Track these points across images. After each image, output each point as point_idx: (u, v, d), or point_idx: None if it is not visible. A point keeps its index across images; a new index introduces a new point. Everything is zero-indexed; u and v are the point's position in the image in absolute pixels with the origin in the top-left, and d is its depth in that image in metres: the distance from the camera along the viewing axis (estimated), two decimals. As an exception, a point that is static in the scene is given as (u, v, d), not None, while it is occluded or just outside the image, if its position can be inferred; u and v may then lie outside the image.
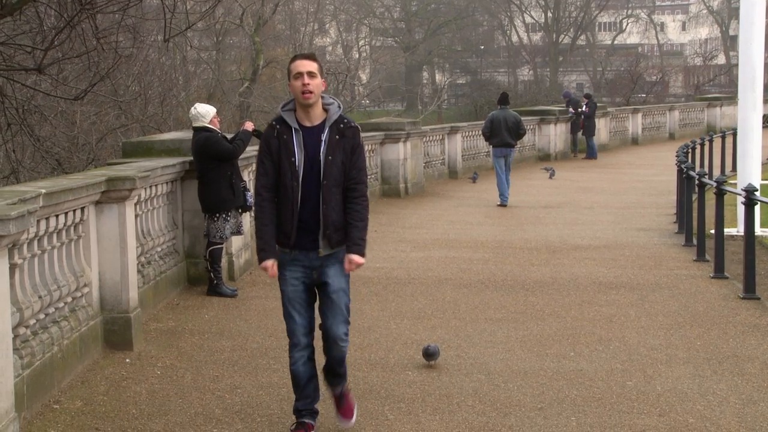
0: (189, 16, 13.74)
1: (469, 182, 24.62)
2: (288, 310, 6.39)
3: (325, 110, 6.35)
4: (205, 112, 11.05)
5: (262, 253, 6.30)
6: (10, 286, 6.37)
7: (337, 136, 6.29)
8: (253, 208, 6.50)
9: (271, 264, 6.28)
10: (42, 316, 7.33)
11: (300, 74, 6.21)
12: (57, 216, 7.58)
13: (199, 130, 10.94)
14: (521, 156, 29.50)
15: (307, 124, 6.30)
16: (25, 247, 6.98)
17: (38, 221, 7.13)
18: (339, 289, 6.39)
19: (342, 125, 6.33)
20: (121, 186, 8.53)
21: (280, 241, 6.35)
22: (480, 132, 23.81)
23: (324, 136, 6.27)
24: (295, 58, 6.38)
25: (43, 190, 7.00)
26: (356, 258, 6.31)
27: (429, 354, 8.12)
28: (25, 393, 6.73)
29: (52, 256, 7.65)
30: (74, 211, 8.00)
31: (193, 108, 11.35)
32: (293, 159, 6.24)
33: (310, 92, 6.20)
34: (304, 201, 6.26)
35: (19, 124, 10.88)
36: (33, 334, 7.15)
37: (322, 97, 6.35)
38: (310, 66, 6.23)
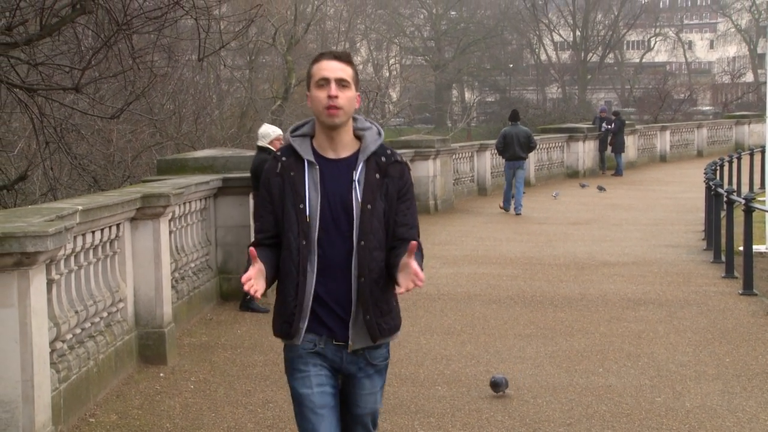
0: (223, 36, 13.80)
1: (500, 204, 24.52)
2: (305, 416, 4.38)
3: (358, 137, 4.37)
4: (266, 133, 11.08)
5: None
6: (47, 301, 6.42)
7: (377, 175, 4.30)
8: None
9: (250, 273, 4.16)
10: (78, 330, 7.37)
11: (326, 81, 4.26)
12: (93, 232, 7.63)
13: (261, 150, 10.98)
14: (550, 173, 29.43)
15: (331, 155, 4.33)
16: (62, 262, 7.03)
17: (75, 237, 7.17)
18: (368, 412, 4.49)
19: (384, 159, 4.34)
20: (156, 203, 8.58)
21: (280, 331, 4.44)
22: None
23: (357, 174, 4.28)
24: (320, 57, 4.38)
25: (80, 207, 7.05)
26: (418, 270, 4.12)
27: (495, 384, 7.65)
28: (62, 406, 6.76)
29: (88, 272, 7.70)
30: (110, 227, 8.05)
31: (261, 127, 11.46)
32: (302, 206, 4.25)
33: (338, 108, 4.23)
34: (324, 269, 4.28)
35: (57, 143, 10.96)
36: (69, 348, 7.19)
37: (355, 119, 4.38)
38: (341, 71, 4.28)
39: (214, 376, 8.43)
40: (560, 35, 73.71)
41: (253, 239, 4.47)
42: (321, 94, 4.26)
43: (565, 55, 74.57)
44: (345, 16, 54.28)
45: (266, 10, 32.90)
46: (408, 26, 69.81)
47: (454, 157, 24.05)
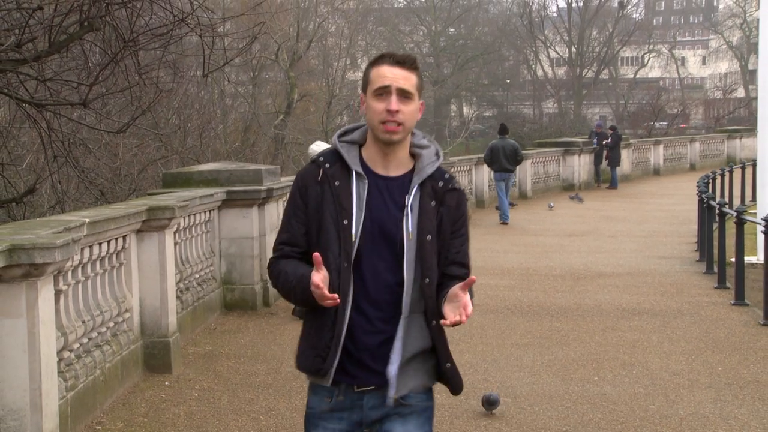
0: (227, 53, 13.85)
1: (496, 211, 24.59)
2: None
3: (414, 155, 3.71)
4: (312, 153, 11.09)
5: (302, 283, 3.58)
6: (55, 311, 6.42)
7: (432, 202, 3.65)
8: (269, 275, 3.82)
9: (320, 279, 3.50)
10: (85, 340, 7.37)
11: (385, 90, 3.58)
12: (100, 244, 7.64)
13: None
14: (546, 186, 29.45)
15: (381, 171, 3.67)
16: (69, 274, 7.04)
17: (82, 249, 7.18)
18: None
19: (441, 184, 3.68)
20: (161, 215, 8.59)
21: (310, 366, 3.68)
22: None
23: (411, 199, 3.63)
24: (381, 60, 3.67)
25: (87, 220, 7.06)
26: (468, 302, 3.62)
27: (490, 402, 7.47)
28: (69, 414, 6.76)
29: (95, 283, 7.71)
30: (116, 239, 8.05)
31: (312, 143, 11.52)
32: (347, 222, 3.60)
33: (399, 125, 3.58)
34: (360, 301, 3.60)
35: (65, 157, 10.97)
36: (77, 357, 7.19)
37: (413, 134, 3.71)
38: (404, 80, 3.59)
39: (218, 385, 8.42)
40: (556, 51, 73.84)
41: (275, 253, 3.78)
42: (379, 106, 3.58)
43: (561, 71, 74.67)
44: (346, 33, 54.30)
45: (269, 27, 32.92)
46: (408, 43, 69.84)
47: (452, 170, 24.06)
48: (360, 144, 3.72)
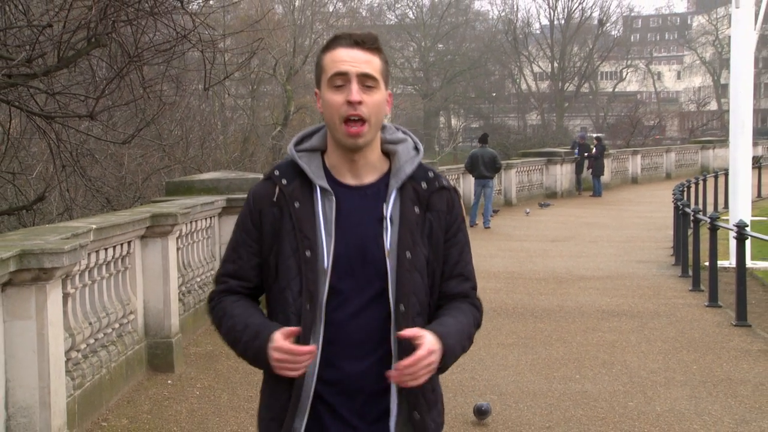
0: (227, 67, 13.84)
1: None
2: None
3: (387, 153, 2.89)
4: None
5: (256, 341, 2.75)
6: (63, 313, 6.41)
7: (416, 209, 2.82)
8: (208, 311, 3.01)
9: (280, 336, 2.69)
10: (92, 341, 7.35)
11: (344, 77, 2.77)
12: (106, 249, 7.63)
13: None
14: (530, 194, 29.48)
15: (351, 181, 2.85)
16: (77, 277, 7.02)
17: (89, 254, 7.17)
18: None
19: (425, 185, 2.86)
20: (164, 222, 8.58)
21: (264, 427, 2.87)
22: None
23: (389, 209, 2.81)
24: (335, 42, 2.82)
25: (94, 226, 7.05)
26: (424, 356, 2.66)
27: (481, 412, 7.26)
28: (77, 411, 6.74)
29: (101, 286, 7.69)
30: (121, 244, 8.04)
31: None
32: (309, 253, 2.76)
33: (362, 122, 2.76)
34: (336, 344, 2.77)
35: (73, 166, 10.94)
36: (84, 357, 7.17)
37: (384, 128, 2.90)
38: (367, 64, 2.77)
39: (219, 383, 8.40)
40: (539, 66, 73.94)
41: (218, 285, 2.94)
42: (336, 99, 2.72)
43: (544, 85, 74.76)
44: (340, 49, 54.37)
45: (267, 43, 32.94)
46: (399, 58, 69.89)
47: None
48: (322, 150, 2.86)
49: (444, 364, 2.72)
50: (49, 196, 14.26)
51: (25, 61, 8.60)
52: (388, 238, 2.76)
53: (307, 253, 2.74)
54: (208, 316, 2.99)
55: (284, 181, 2.82)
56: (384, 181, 2.83)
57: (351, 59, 2.74)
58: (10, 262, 5.54)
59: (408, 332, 2.66)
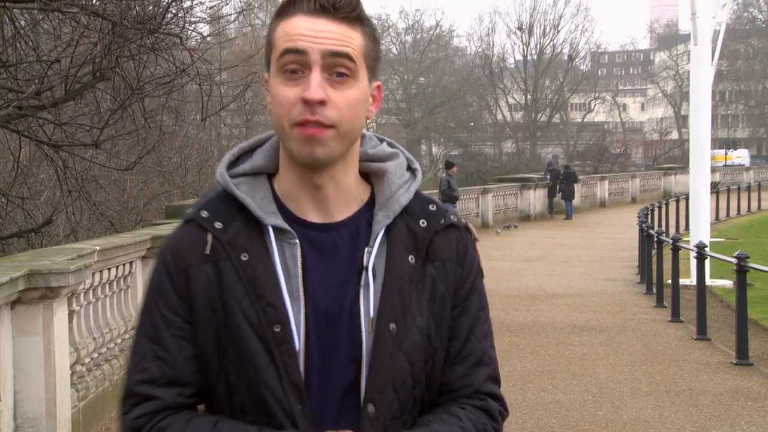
0: (223, 99, 13.85)
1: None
2: None
3: (367, 176, 1.78)
4: None
5: None
6: (68, 329, 6.38)
7: (410, 258, 1.71)
8: None
9: None
10: (96, 355, 7.31)
11: (301, 60, 1.61)
12: (109, 269, 7.60)
13: None
14: (506, 216, 29.54)
15: (314, 217, 1.71)
16: (82, 295, 6.99)
17: (93, 274, 7.14)
18: None
19: (424, 222, 1.74)
20: (164, 243, 8.56)
21: None
22: (469, 195, 26.43)
23: (372, 258, 1.69)
24: (291, 5, 1.63)
25: (98, 247, 7.03)
26: None
27: None
28: (81, 422, 6.69)
29: (104, 304, 7.66)
30: (124, 264, 8.01)
31: None
32: (278, 328, 1.63)
33: (324, 127, 1.61)
34: None
35: (78, 191, 10.92)
36: (88, 371, 7.13)
37: (363, 139, 1.77)
38: (337, 37, 1.61)
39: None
40: (514, 98, 74.30)
41: (136, 407, 1.68)
42: (287, 93, 1.63)
43: (518, 115, 75.10)
44: (329, 82, 54.56)
45: (260, 76, 32.97)
46: (383, 90, 70.16)
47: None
48: (269, 173, 1.76)
49: None
50: (56, 219, 14.21)
51: (34, 94, 8.60)
52: (369, 303, 1.68)
53: (276, 329, 1.64)
54: None
55: (218, 225, 1.70)
56: (365, 215, 1.74)
57: (313, 31, 1.62)
58: (20, 281, 5.52)
59: None
